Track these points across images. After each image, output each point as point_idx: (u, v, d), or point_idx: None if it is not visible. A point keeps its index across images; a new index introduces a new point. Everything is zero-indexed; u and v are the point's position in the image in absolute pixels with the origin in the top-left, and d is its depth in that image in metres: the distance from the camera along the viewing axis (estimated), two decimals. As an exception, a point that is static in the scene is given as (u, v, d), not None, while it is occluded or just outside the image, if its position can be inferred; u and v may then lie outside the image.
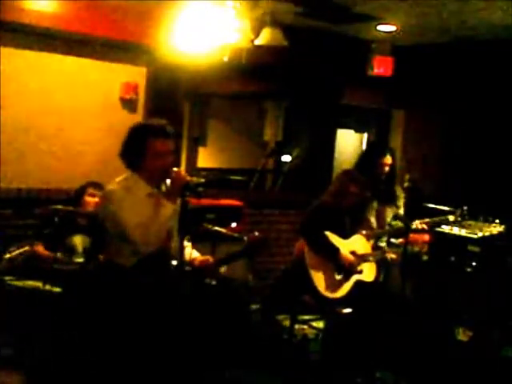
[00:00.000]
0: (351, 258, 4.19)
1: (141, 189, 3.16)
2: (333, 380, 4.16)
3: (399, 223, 4.59)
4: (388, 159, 4.61)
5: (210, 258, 3.49)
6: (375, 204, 4.62)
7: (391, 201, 4.61)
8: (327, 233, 4.20)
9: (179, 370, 3.26)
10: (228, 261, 3.74)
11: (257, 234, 3.82)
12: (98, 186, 4.52)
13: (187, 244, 3.45)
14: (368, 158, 4.68)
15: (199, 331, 3.69)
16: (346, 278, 4.20)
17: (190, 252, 3.51)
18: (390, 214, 4.68)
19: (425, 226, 4.50)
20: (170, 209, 3.09)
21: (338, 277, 4.20)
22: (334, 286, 4.17)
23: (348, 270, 4.18)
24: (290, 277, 4.45)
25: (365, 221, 4.54)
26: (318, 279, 4.13)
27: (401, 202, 4.75)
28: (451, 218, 4.63)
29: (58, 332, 3.67)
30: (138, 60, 5.62)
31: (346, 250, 4.22)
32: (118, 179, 3.21)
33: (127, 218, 3.05)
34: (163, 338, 3.15)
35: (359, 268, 4.23)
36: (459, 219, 4.64)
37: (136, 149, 3.15)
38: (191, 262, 3.46)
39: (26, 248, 4.23)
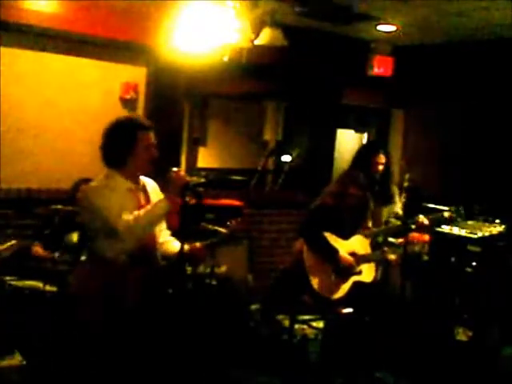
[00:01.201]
0: (350, 259, 4.18)
1: (121, 185, 3.15)
2: (333, 380, 4.16)
3: (397, 222, 4.57)
4: (381, 158, 4.57)
5: (197, 244, 3.45)
6: (371, 205, 4.62)
7: (387, 201, 4.60)
8: (327, 234, 4.20)
9: (176, 369, 3.27)
10: (214, 246, 3.69)
11: (237, 221, 3.82)
12: (89, 182, 4.52)
13: (171, 238, 3.42)
14: (362, 156, 4.67)
15: (197, 330, 3.70)
16: (345, 279, 4.19)
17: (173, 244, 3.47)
18: (385, 213, 4.67)
19: (426, 222, 4.45)
20: (163, 206, 3.09)
21: (336, 278, 4.18)
22: (332, 287, 4.16)
23: (347, 271, 4.17)
24: (289, 277, 4.44)
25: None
26: (316, 280, 4.12)
27: (396, 199, 4.73)
28: (446, 214, 4.59)
29: (57, 332, 3.67)
30: (138, 60, 5.62)
31: (346, 251, 4.21)
32: (97, 178, 3.19)
33: (112, 213, 3.03)
34: (157, 336, 3.16)
35: (358, 269, 4.22)
36: (454, 215, 4.60)
37: (126, 142, 3.13)
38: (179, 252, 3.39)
39: (13, 242, 4.22)
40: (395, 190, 4.78)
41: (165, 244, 3.36)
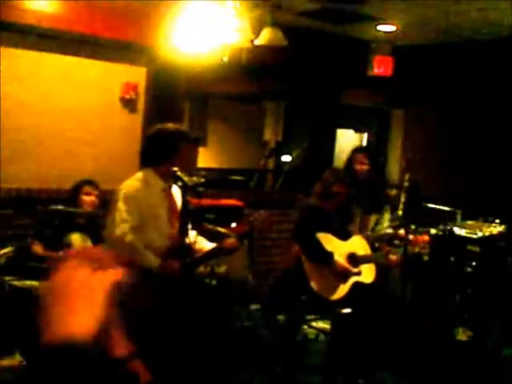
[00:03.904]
0: (345, 265, 4.15)
1: (157, 184, 3.45)
2: (333, 380, 4.16)
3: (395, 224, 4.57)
4: (360, 157, 4.63)
5: (231, 239, 3.66)
6: (359, 212, 4.60)
7: (376, 210, 4.59)
8: (324, 235, 4.17)
9: (175, 369, 3.30)
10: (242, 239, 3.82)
11: (258, 214, 3.93)
12: (92, 184, 4.53)
13: (200, 238, 3.66)
14: (348, 156, 4.78)
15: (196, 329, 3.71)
16: (344, 281, 4.17)
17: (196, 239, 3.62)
18: (373, 221, 4.66)
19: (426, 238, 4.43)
20: (151, 264, 3.28)
21: (336, 279, 4.16)
22: (331, 288, 4.14)
23: (344, 275, 4.15)
24: (289, 278, 4.43)
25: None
26: (316, 281, 4.10)
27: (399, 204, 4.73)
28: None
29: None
30: (138, 60, 5.62)
31: (345, 252, 4.19)
32: (137, 176, 3.45)
33: (147, 214, 3.32)
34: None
35: (357, 270, 4.20)
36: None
37: (169, 149, 3.42)
38: (220, 247, 3.58)
39: (8, 250, 4.25)
40: (393, 192, 4.78)
41: (197, 244, 3.57)
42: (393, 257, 4.38)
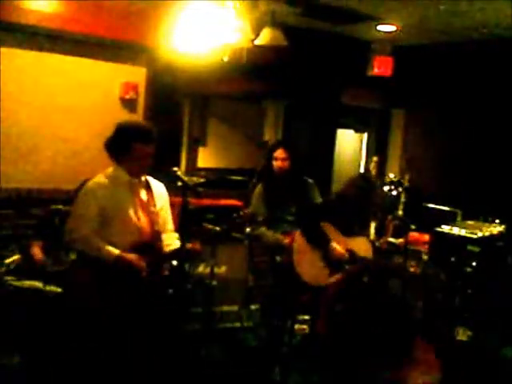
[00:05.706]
0: (342, 251, 4.11)
1: (125, 179, 3.35)
2: (332, 380, 4.16)
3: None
4: (278, 152, 4.53)
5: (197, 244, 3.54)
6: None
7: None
8: (329, 225, 4.15)
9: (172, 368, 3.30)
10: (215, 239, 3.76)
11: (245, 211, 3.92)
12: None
13: (176, 235, 3.52)
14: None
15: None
16: (332, 270, 4.12)
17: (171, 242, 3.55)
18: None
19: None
20: (110, 259, 3.19)
21: (323, 264, 4.12)
22: (319, 274, 4.10)
23: (336, 262, 4.11)
24: (280, 272, 4.40)
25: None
26: (304, 270, 4.07)
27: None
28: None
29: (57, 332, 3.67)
30: (138, 60, 5.62)
31: (344, 246, 4.17)
32: (106, 171, 3.40)
33: (111, 207, 3.24)
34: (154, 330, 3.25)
35: (347, 267, 4.16)
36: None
37: (120, 148, 3.34)
38: (180, 249, 3.45)
39: (17, 257, 4.25)
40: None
41: (172, 246, 3.46)
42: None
